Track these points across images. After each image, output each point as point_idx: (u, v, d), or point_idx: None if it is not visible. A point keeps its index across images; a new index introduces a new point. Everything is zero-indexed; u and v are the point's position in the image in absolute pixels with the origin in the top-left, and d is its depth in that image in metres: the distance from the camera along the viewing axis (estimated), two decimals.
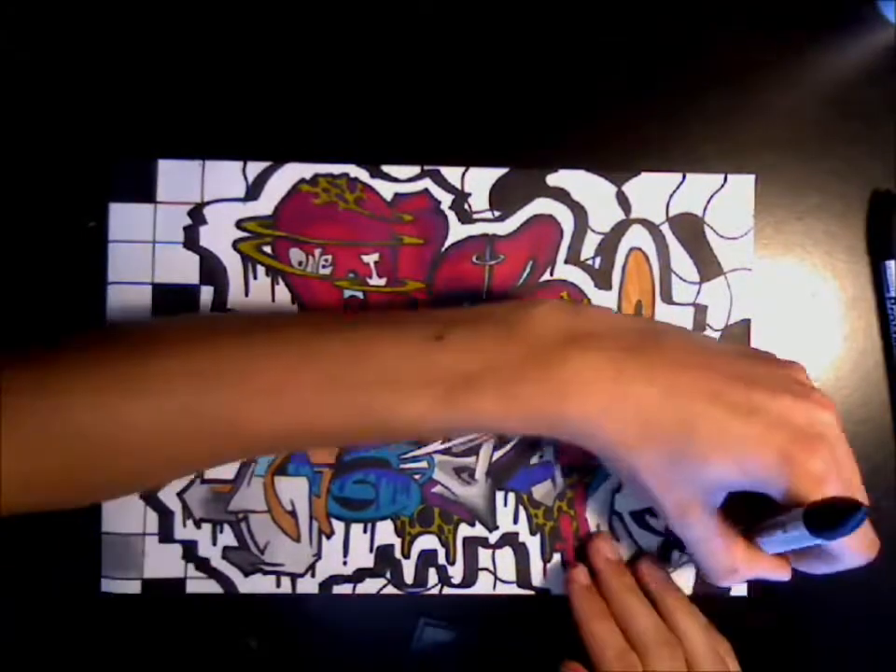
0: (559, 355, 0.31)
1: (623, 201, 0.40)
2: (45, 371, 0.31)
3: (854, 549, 0.32)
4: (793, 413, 0.31)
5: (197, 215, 0.39)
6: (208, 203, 0.39)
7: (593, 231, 0.40)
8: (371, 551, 0.39)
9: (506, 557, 0.39)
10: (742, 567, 0.33)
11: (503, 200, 0.39)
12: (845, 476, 0.31)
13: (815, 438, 0.31)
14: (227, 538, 0.39)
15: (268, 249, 0.39)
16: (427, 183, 0.39)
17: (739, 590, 0.40)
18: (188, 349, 0.31)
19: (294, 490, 0.39)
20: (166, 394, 0.30)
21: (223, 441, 0.32)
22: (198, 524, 0.39)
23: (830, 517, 0.29)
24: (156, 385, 0.30)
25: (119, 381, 0.30)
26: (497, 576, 0.39)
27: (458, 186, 0.39)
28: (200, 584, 0.39)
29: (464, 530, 0.39)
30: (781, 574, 0.34)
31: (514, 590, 0.39)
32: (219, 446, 0.32)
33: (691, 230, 0.40)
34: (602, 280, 0.40)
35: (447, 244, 0.39)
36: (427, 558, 0.39)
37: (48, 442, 0.30)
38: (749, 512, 0.34)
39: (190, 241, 0.39)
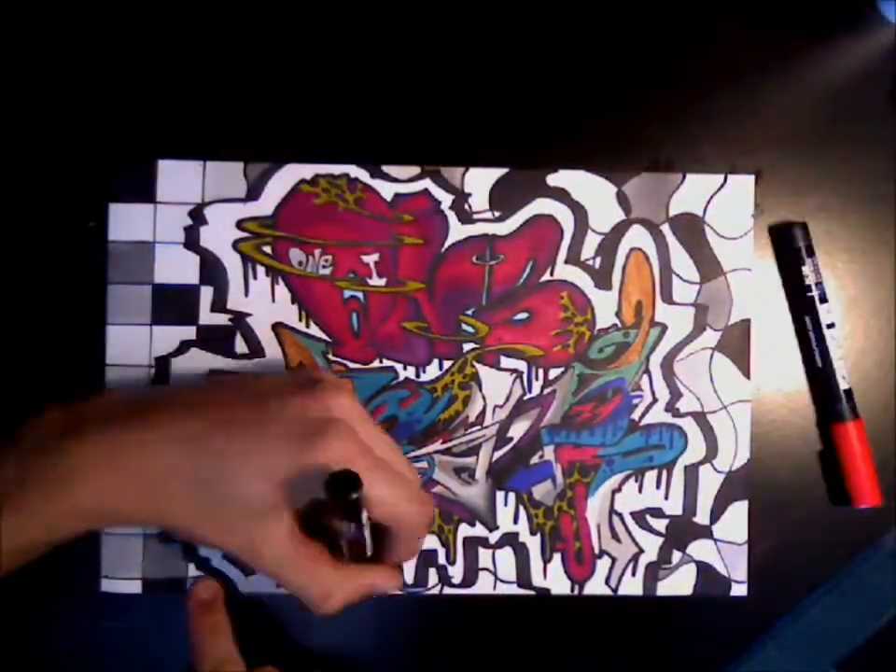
0: (56, 447, 0.31)
1: (624, 201, 0.40)
2: None
3: (393, 516, 0.33)
4: (306, 409, 0.32)
5: (197, 215, 0.39)
6: (208, 203, 0.39)
7: (593, 231, 0.40)
8: None
9: (506, 557, 0.39)
10: (336, 588, 0.33)
11: (503, 200, 0.39)
12: (379, 453, 0.32)
13: (329, 424, 0.32)
14: None
15: (268, 249, 0.39)
16: (427, 183, 0.39)
17: (739, 590, 0.39)
18: None
19: None
20: None
21: None
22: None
23: (330, 492, 0.29)
24: None
25: None
26: (497, 576, 0.39)
27: (458, 186, 0.39)
28: None
29: (464, 530, 0.39)
30: (383, 584, 0.35)
31: (514, 590, 0.39)
32: None
33: (691, 230, 0.40)
34: (602, 280, 0.40)
35: (447, 244, 0.39)
36: (428, 558, 0.39)
37: None
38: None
39: (191, 241, 0.39)
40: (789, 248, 0.39)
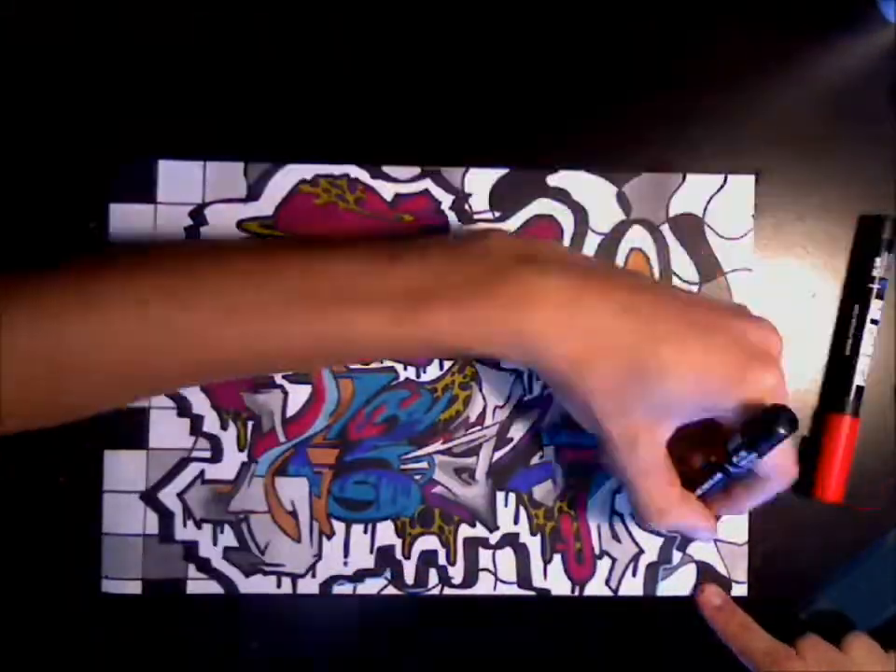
0: (515, 272, 0.32)
1: (624, 201, 0.40)
2: (41, 294, 0.31)
3: (779, 467, 0.33)
4: (750, 332, 0.33)
5: (198, 215, 0.39)
6: (209, 203, 0.39)
7: (593, 231, 0.40)
8: (371, 551, 0.39)
9: (506, 558, 0.39)
10: (675, 509, 0.34)
11: (503, 200, 0.39)
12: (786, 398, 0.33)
13: (769, 356, 0.33)
14: (227, 538, 0.39)
15: None
16: (427, 183, 0.39)
17: (739, 590, 0.39)
18: (169, 268, 0.32)
19: (294, 490, 0.39)
20: (145, 308, 0.31)
21: (193, 358, 0.32)
22: (198, 524, 0.39)
23: (764, 423, 0.31)
24: (137, 298, 0.31)
25: (105, 297, 0.31)
26: (497, 576, 0.39)
27: (459, 186, 0.39)
28: (200, 585, 0.39)
29: (464, 531, 0.39)
30: (707, 527, 0.35)
31: (515, 590, 0.39)
32: (190, 363, 0.32)
33: (691, 230, 0.40)
34: None
35: None
36: (428, 559, 0.39)
37: (39, 363, 0.30)
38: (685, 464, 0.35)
39: None
40: (871, 236, 0.39)
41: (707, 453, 0.35)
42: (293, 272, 0.32)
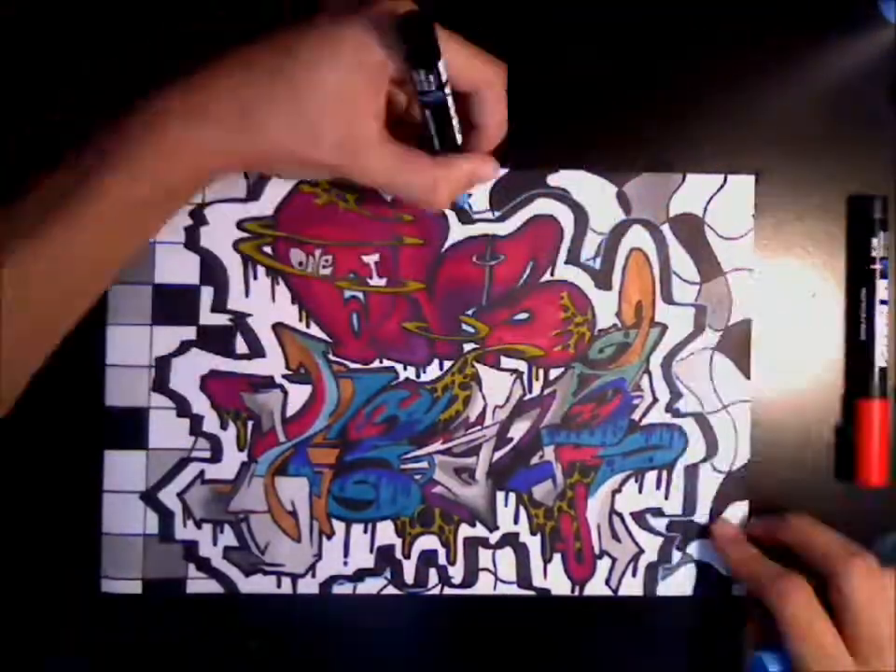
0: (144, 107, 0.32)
1: (624, 201, 0.40)
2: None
3: (484, 64, 0.33)
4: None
5: (198, 215, 0.39)
6: (209, 203, 0.39)
7: (593, 231, 0.40)
8: (371, 551, 0.39)
9: (506, 557, 0.39)
10: (441, 174, 0.33)
11: (503, 200, 0.39)
12: None
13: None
14: (227, 538, 0.39)
15: (268, 249, 0.39)
16: None
17: (739, 590, 0.39)
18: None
19: (294, 490, 0.39)
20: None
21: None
22: (198, 524, 0.39)
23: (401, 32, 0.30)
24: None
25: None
26: (497, 576, 0.39)
27: None
28: (200, 584, 0.39)
29: (464, 530, 0.39)
30: (486, 167, 0.35)
31: (515, 590, 0.39)
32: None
33: (691, 230, 0.40)
34: (602, 280, 0.40)
35: (447, 244, 0.39)
36: (428, 558, 0.39)
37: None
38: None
39: (191, 241, 0.39)
40: (863, 218, 0.40)
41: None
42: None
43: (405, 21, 0.30)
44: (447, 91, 0.32)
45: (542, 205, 0.40)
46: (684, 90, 0.40)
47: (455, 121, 0.34)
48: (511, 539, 0.39)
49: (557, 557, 0.39)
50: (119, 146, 0.32)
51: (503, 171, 0.39)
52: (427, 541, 0.39)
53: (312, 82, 0.31)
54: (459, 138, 0.35)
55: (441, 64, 0.31)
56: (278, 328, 0.39)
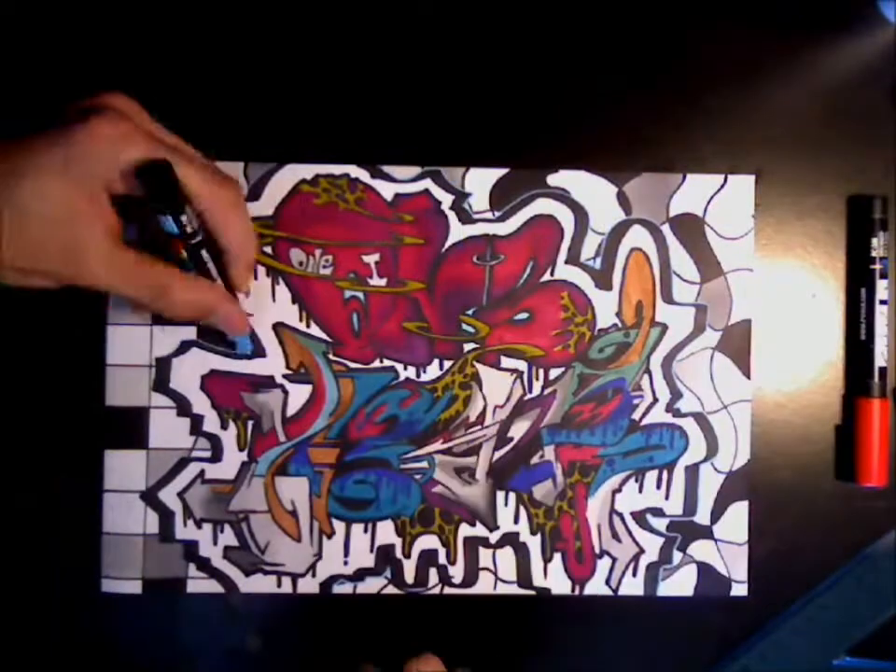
0: None
1: (624, 201, 0.40)
2: None
3: (213, 201, 0.34)
4: (72, 107, 0.32)
5: None
6: None
7: (593, 231, 0.40)
8: (371, 551, 0.39)
9: (506, 557, 0.39)
10: (174, 282, 0.33)
11: (503, 200, 0.39)
12: (152, 131, 0.33)
13: (94, 110, 0.32)
14: (227, 538, 0.39)
15: (269, 249, 0.39)
16: (427, 183, 0.39)
17: (739, 590, 0.39)
18: None
19: (295, 490, 0.39)
20: None
21: None
22: (199, 524, 0.39)
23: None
24: None
25: None
26: (497, 576, 0.39)
27: (459, 186, 0.39)
28: (200, 584, 0.39)
29: (464, 530, 0.39)
30: (225, 303, 0.35)
31: (515, 590, 0.39)
32: None
33: (691, 230, 0.40)
34: (602, 280, 0.40)
35: (448, 244, 0.39)
36: (428, 558, 0.39)
37: None
38: None
39: None
40: (863, 218, 0.40)
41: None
42: None
43: (145, 169, 0.31)
44: (196, 235, 0.33)
45: (542, 205, 0.40)
46: (684, 90, 0.40)
47: (204, 253, 0.34)
48: (511, 539, 0.39)
49: (557, 557, 0.39)
50: None
51: (503, 170, 0.39)
52: (428, 541, 0.39)
53: (34, 194, 0.31)
54: (213, 269, 0.35)
55: (187, 212, 0.32)
56: (278, 327, 0.39)
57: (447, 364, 0.39)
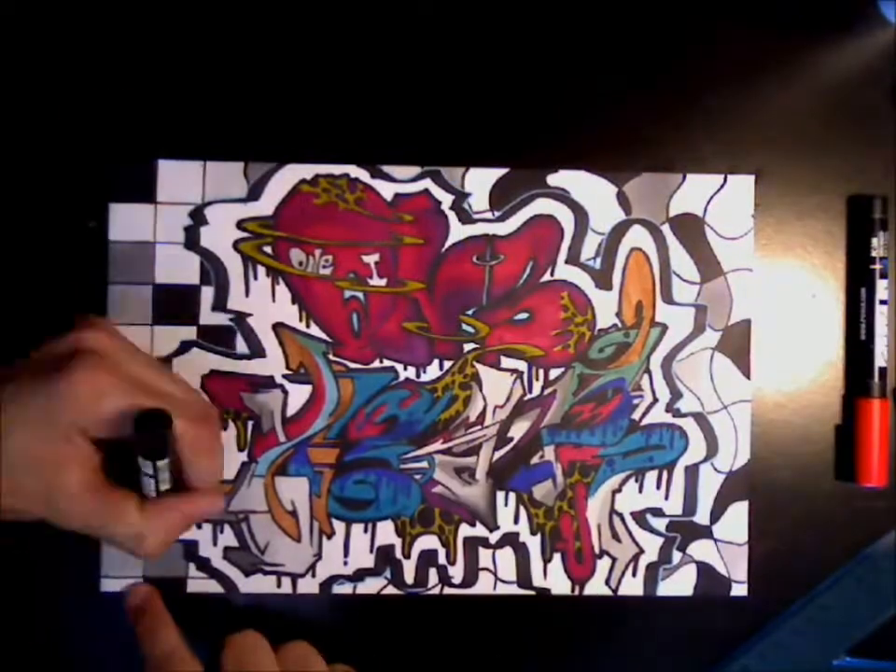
0: None
1: (624, 201, 0.40)
2: None
3: (192, 445, 0.34)
4: (52, 349, 0.33)
5: (198, 215, 0.39)
6: (209, 203, 0.39)
7: (593, 231, 0.40)
8: (371, 551, 0.39)
9: (506, 557, 0.39)
10: (148, 526, 0.33)
11: (503, 200, 0.39)
12: (148, 381, 0.33)
13: (74, 355, 0.32)
14: (227, 538, 0.39)
15: (268, 249, 0.39)
16: (427, 183, 0.39)
17: (739, 590, 0.39)
18: None
19: (294, 490, 0.39)
20: None
21: None
22: (198, 524, 0.39)
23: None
24: None
25: None
26: (497, 576, 0.39)
27: (458, 186, 0.39)
28: (200, 584, 0.39)
29: (464, 530, 0.39)
30: (203, 506, 0.35)
31: (515, 590, 0.39)
32: None
33: (691, 230, 0.40)
34: (602, 280, 0.40)
35: (447, 244, 0.39)
36: (428, 558, 0.39)
37: None
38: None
39: (191, 241, 0.39)
40: (863, 218, 0.40)
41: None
42: None
43: (144, 417, 0.31)
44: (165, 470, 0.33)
45: (542, 205, 0.40)
46: (684, 90, 0.40)
47: (162, 473, 0.34)
48: (511, 539, 0.39)
49: (557, 557, 0.39)
50: None
51: (503, 170, 0.39)
52: (427, 541, 0.39)
53: (16, 448, 0.31)
54: (165, 484, 0.34)
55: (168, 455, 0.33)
56: (278, 328, 0.39)
57: (447, 364, 0.39)
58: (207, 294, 0.39)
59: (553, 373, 0.39)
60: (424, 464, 0.39)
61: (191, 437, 0.34)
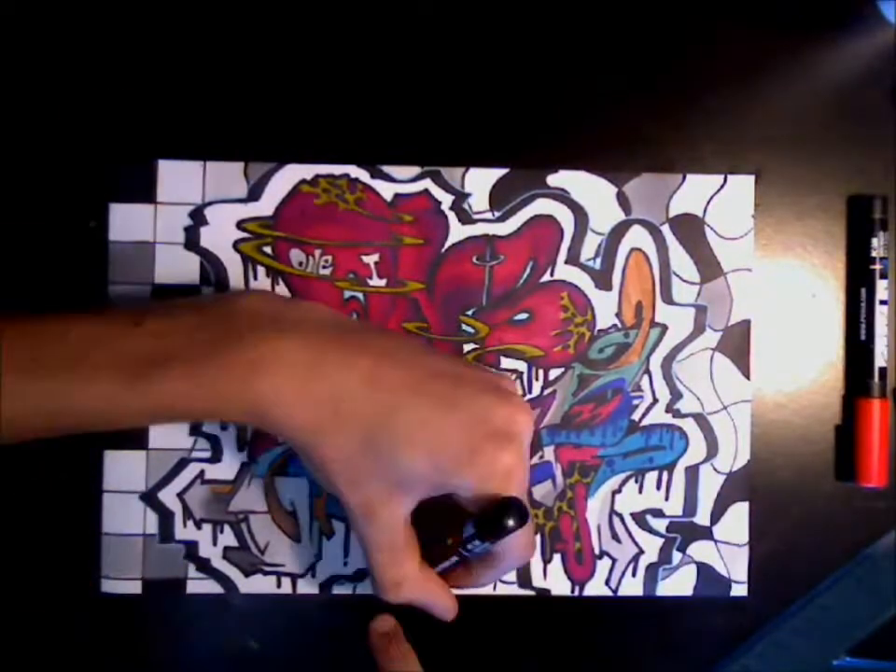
0: (253, 337, 0.31)
1: (624, 201, 0.40)
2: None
3: (514, 549, 0.33)
4: (494, 411, 0.32)
5: (198, 215, 0.39)
6: (209, 203, 0.39)
7: (593, 231, 0.40)
8: None
9: None
10: (408, 584, 0.33)
11: (503, 200, 0.39)
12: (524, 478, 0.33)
13: (509, 435, 0.32)
14: (227, 538, 0.39)
15: (268, 250, 0.39)
16: (427, 183, 0.39)
17: (739, 590, 0.39)
18: None
19: (294, 490, 0.39)
20: None
21: None
22: (198, 524, 0.39)
23: (495, 516, 0.31)
24: None
25: None
26: None
27: (458, 186, 0.39)
28: (200, 585, 0.39)
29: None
30: (445, 606, 0.35)
31: (515, 590, 0.39)
32: None
33: (691, 230, 0.40)
34: (602, 281, 0.40)
35: (447, 244, 0.39)
36: None
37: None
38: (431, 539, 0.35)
39: (191, 241, 0.39)
40: (863, 218, 0.40)
41: (454, 525, 0.34)
42: (24, 340, 0.30)
43: (511, 506, 0.31)
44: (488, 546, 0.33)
45: (542, 205, 0.40)
46: (684, 90, 0.40)
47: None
48: None
49: (557, 557, 0.39)
50: (223, 379, 0.30)
51: (503, 170, 0.39)
52: None
53: (390, 434, 0.31)
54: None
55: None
56: None
57: None
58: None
59: (553, 374, 0.39)
60: None
61: (526, 557, 0.35)
